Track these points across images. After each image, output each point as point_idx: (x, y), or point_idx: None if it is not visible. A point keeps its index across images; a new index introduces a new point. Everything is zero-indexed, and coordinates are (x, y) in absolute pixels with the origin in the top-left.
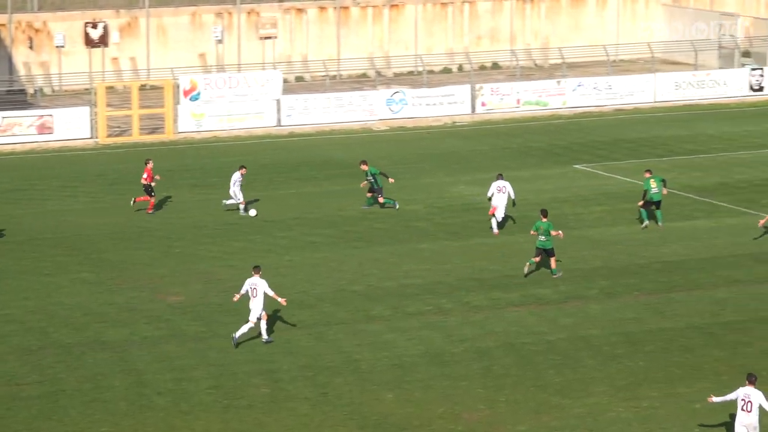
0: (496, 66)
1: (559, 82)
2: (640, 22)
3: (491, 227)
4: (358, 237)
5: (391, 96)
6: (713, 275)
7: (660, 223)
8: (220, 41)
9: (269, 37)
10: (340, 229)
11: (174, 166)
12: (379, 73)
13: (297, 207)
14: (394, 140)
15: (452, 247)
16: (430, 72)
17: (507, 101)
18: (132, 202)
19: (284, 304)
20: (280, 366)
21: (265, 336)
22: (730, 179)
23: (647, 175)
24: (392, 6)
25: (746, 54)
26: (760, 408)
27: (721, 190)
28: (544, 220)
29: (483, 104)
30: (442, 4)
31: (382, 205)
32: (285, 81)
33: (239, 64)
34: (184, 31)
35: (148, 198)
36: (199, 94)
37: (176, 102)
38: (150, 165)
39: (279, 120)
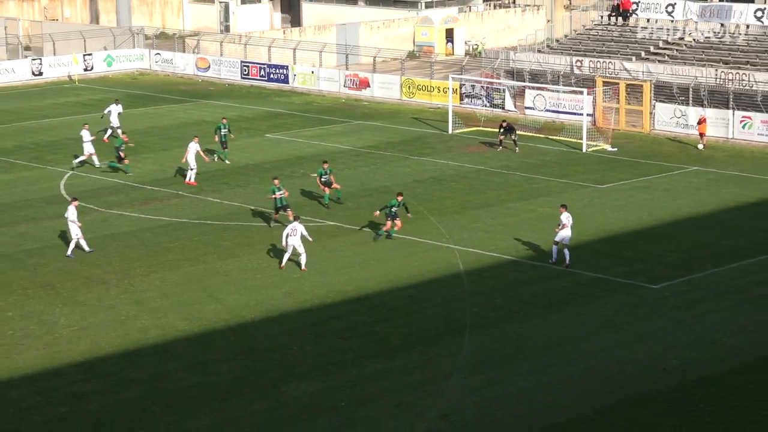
0: None
1: None
2: None
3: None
4: None
5: None
6: (15, 215)
7: None
8: None
9: None
10: None
11: None
12: None
13: None
14: None
15: None
16: None
17: None
18: None
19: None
20: None
21: None
22: (22, 142)
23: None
24: None
25: (28, 48)
26: (302, 235)
27: (16, 151)
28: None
29: None
30: None
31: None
32: None
33: None
34: None
35: None
36: None
37: None
38: None
39: None
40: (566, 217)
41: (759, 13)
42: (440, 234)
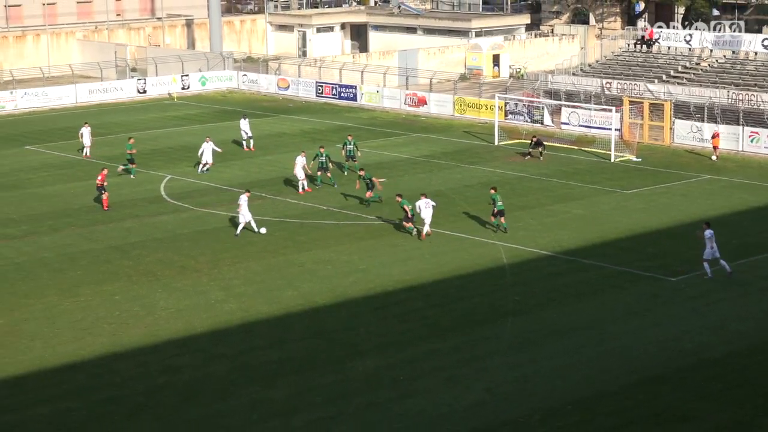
0: None
1: (12, 92)
2: (62, 51)
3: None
4: None
5: None
6: (122, 213)
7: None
8: None
9: None
10: None
11: None
12: None
13: None
14: None
15: None
16: None
17: None
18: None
19: None
20: None
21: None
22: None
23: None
24: None
25: (134, 69)
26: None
27: (124, 158)
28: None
29: None
30: None
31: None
32: None
33: None
34: None
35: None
36: None
37: None
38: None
39: None
40: (709, 234)
41: (766, 42)
42: (486, 232)
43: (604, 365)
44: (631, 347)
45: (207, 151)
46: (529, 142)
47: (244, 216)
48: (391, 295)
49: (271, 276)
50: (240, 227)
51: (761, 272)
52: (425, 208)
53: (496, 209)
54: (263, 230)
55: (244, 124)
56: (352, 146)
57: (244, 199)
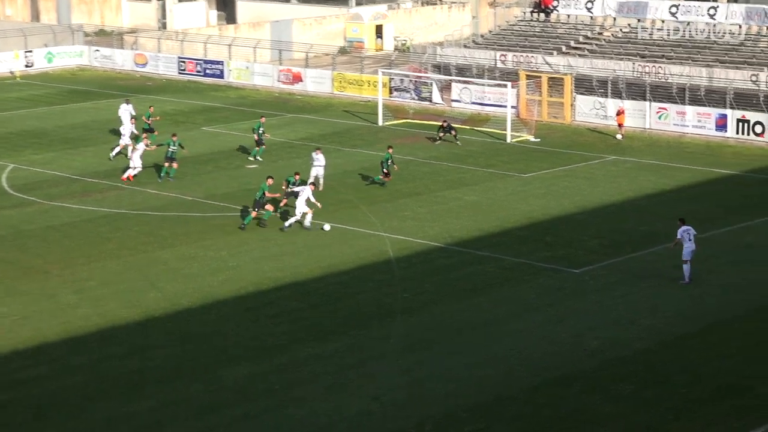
0: None
1: None
2: None
3: None
4: None
5: None
6: None
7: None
8: None
9: None
10: None
11: None
12: None
13: None
14: None
15: None
16: None
17: None
18: None
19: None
20: None
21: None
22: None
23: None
24: None
25: None
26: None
27: None
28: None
29: None
30: None
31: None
32: None
33: None
34: None
35: None
36: None
37: None
38: None
39: None
40: (683, 231)
41: (673, 9)
42: (371, 222)
43: (503, 367)
44: (532, 346)
45: (126, 121)
46: (439, 125)
47: (300, 208)
48: (265, 294)
49: (130, 276)
50: (307, 222)
51: (671, 262)
52: (317, 163)
53: (386, 170)
54: (327, 226)
55: (125, 111)
56: (263, 129)
57: (307, 190)
